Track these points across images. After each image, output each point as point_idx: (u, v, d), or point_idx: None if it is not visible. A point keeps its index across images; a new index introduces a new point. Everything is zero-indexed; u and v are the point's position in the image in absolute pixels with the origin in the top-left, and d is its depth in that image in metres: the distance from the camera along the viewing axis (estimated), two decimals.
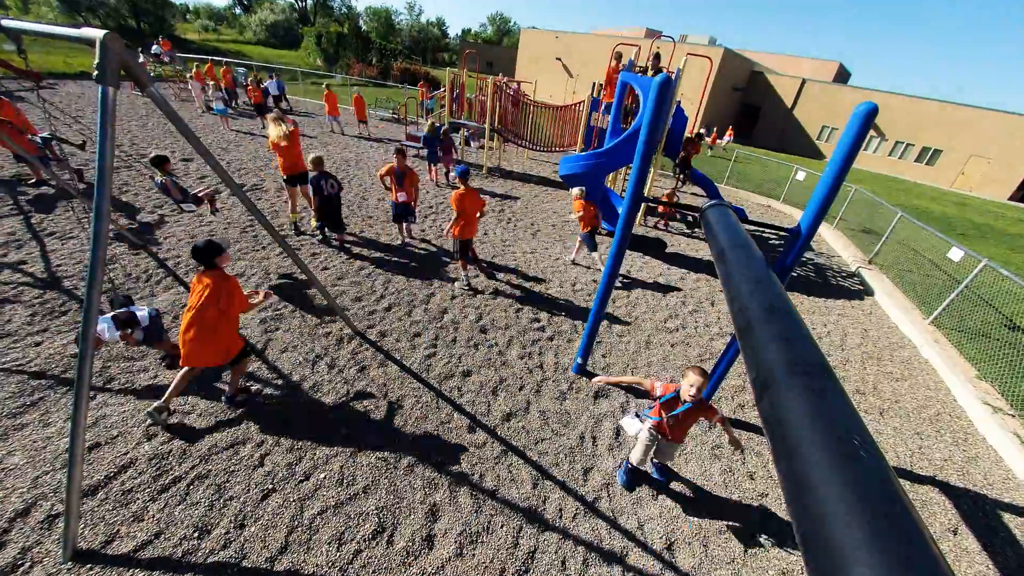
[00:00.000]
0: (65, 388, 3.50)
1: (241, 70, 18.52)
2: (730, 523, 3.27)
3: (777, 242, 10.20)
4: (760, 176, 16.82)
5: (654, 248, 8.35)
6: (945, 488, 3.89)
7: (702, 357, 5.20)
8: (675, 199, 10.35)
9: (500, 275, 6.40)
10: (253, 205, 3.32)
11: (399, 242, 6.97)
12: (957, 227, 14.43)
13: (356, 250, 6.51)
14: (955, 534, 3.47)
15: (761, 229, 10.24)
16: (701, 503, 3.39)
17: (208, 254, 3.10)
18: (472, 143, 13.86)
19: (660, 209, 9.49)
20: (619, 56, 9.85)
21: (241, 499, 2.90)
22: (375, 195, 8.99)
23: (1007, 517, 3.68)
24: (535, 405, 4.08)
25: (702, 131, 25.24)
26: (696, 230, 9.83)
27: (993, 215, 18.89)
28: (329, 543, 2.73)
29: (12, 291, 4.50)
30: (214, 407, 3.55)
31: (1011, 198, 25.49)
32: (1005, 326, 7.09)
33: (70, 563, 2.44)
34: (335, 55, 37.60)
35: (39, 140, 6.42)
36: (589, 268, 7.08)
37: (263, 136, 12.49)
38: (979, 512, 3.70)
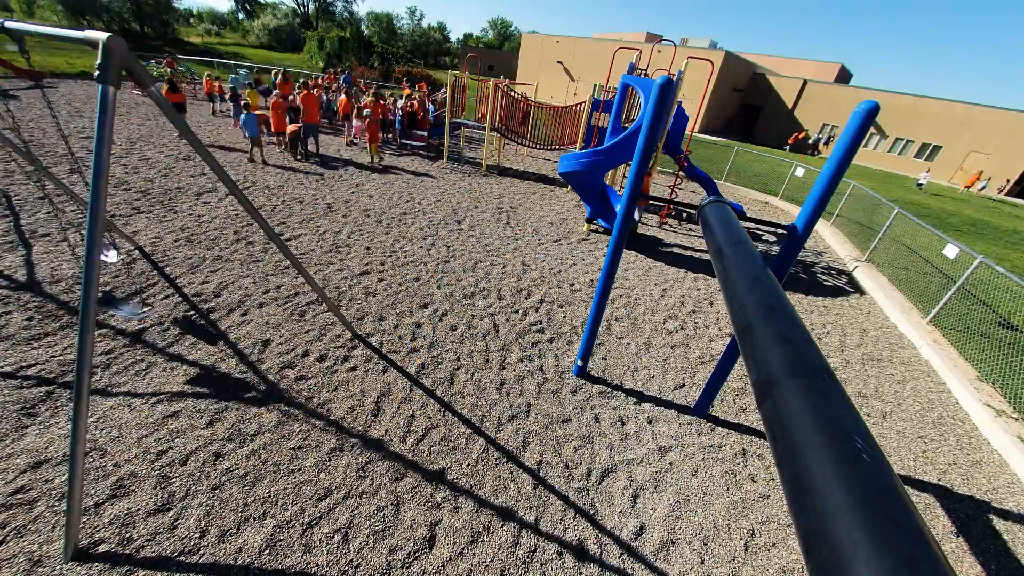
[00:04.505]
0: (65, 391, 3.51)
1: (243, 71, 18.64)
2: (731, 523, 3.26)
3: (775, 239, 10.19)
4: (760, 171, 16.87)
5: (650, 246, 8.35)
6: (949, 492, 3.87)
7: (702, 359, 5.18)
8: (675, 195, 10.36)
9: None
10: (249, 203, 3.32)
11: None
12: (954, 223, 14.38)
13: None
14: (957, 536, 3.45)
15: (759, 226, 10.27)
16: (702, 504, 3.38)
17: None
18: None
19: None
20: None
21: (242, 499, 2.90)
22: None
23: (1011, 521, 3.66)
24: (536, 407, 4.08)
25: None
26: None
27: (990, 210, 18.87)
28: (330, 543, 2.73)
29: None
30: (214, 407, 3.56)
31: (1008, 193, 25.49)
32: (1003, 325, 7.04)
33: (71, 562, 2.44)
34: (337, 58, 37.73)
35: None
36: (586, 267, 7.07)
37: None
38: (983, 515, 3.67)
